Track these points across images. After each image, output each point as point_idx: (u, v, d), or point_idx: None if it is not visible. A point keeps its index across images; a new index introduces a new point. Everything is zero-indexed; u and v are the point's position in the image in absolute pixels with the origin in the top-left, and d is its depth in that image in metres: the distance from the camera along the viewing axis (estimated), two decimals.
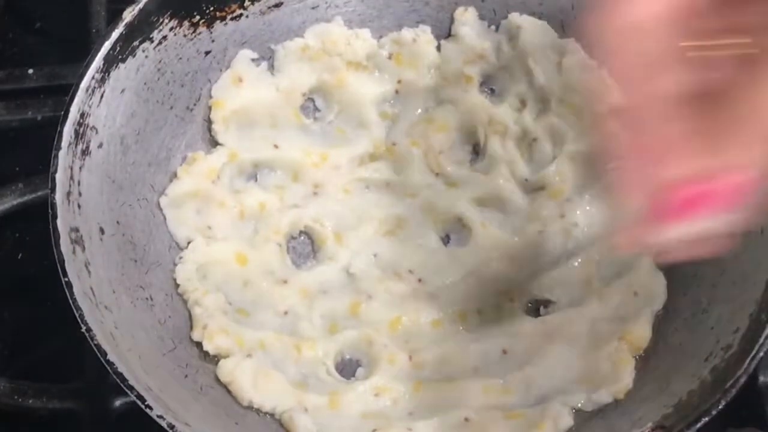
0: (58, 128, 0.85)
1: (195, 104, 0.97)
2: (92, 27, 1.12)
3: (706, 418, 0.77)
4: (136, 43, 0.91)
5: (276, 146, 0.98)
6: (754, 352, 0.79)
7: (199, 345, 0.88)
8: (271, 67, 1.01)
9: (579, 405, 0.86)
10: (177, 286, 0.91)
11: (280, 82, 1.00)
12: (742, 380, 0.78)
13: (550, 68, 1.00)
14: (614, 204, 0.89)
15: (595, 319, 0.90)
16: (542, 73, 1.00)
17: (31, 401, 0.90)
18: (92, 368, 0.90)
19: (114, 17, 0.91)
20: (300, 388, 0.86)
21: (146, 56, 0.92)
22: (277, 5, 1.00)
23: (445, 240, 0.96)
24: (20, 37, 1.21)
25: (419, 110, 1.01)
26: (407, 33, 1.02)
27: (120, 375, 0.76)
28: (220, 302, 0.89)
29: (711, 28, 0.55)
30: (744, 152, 0.54)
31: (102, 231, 0.86)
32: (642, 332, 0.88)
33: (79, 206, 0.84)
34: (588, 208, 0.95)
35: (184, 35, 0.95)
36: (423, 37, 1.02)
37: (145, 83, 0.93)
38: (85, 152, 0.87)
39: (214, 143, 0.98)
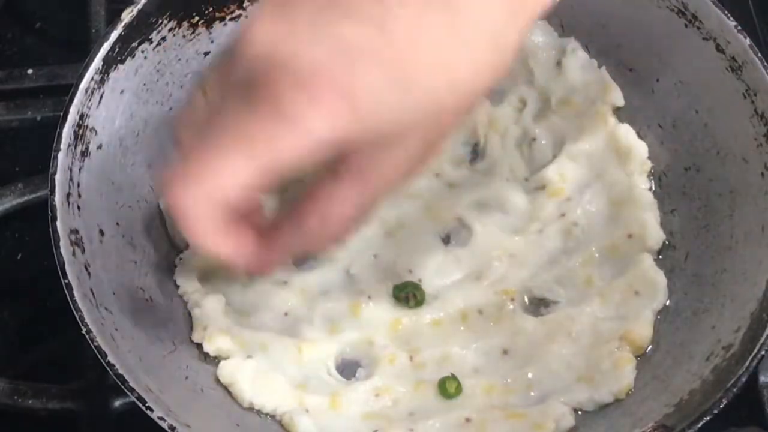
0: (57, 129, 0.85)
1: None
2: (92, 27, 1.12)
3: (708, 418, 0.77)
4: (135, 44, 0.91)
5: None
6: (755, 351, 0.80)
7: (199, 346, 0.88)
8: None
9: (580, 404, 0.86)
10: (177, 287, 0.90)
11: None
12: (744, 379, 0.79)
13: (550, 68, 1.00)
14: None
15: (596, 319, 0.90)
16: (542, 73, 0.99)
17: (31, 401, 0.90)
18: (92, 369, 0.90)
19: (114, 18, 0.91)
20: (301, 389, 0.86)
21: (145, 57, 0.92)
22: None
23: (445, 240, 0.96)
24: (20, 37, 1.20)
25: None
26: None
27: (120, 377, 0.76)
28: (220, 304, 0.89)
29: None
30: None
31: (102, 233, 0.86)
32: (643, 331, 0.88)
33: (78, 208, 0.84)
34: (588, 207, 0.95)
35: (183, 36, 0.95)
36: None
37: (144, 84, 0.92)
38: (85, 153, 0.86)
39: None
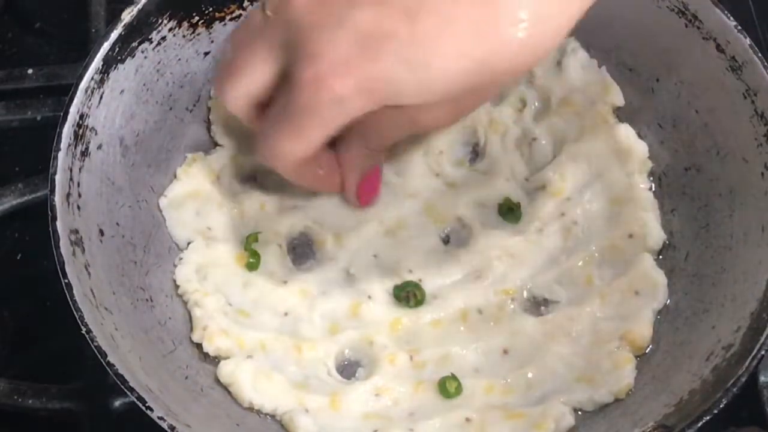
0: (58, 129, 0.85)
1: (194, 105, 0.97)
2: (92, 27, 1.12)
3: (708, 417, 0.77)
4: (135, 43, 0.91)
5: None
6: (755, 351, 0.80)
7: (199, 346, 0.88)
8: None
9: (580, 404, 0.86)
10: (177, 287, 0.91)
11: None
12: (744, 379, 0.79)
13: (550, 68, 1.00)
14: None
15: (596, 318, 0.90)
16: (542, 73, 0.99)
17: (31, 401, 0.90)
18: (92, 368, 0.90)
19: (114, 18, 0.91)
20: (301, 388, 0.86)
21: (145, 57, 0.92)
22: None
23: (445, 240, 0.96)
24: (20, 37, 1.20)
25: None
26: None
27: (120, 377, 0.76)
28: (220, 303, 0.89)
29: None
30: None
31: (102, 232, 0.86)
32: (643, 331, 0.88)
33: (78, 208, 0.84)
34: (588, 206, 0.95)
35: (183, 36, 0.95)
36: None
37: (144, 84, 0.93)
38: (85, 153, 0.87)
39: (214, 144, 0.98)
